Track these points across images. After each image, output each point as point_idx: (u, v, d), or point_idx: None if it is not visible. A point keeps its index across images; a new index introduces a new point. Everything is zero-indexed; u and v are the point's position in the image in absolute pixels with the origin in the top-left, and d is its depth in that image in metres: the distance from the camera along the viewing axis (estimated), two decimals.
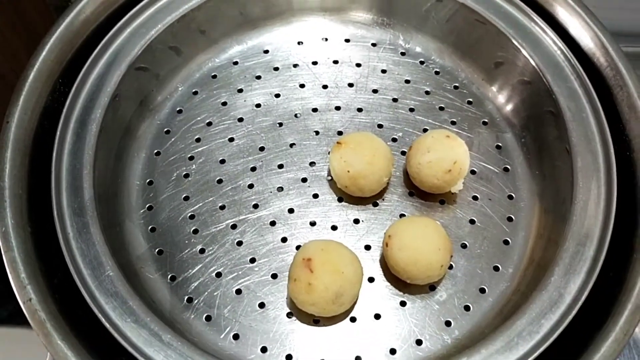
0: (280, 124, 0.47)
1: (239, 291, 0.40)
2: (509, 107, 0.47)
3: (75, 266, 0.36)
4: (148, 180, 0.45)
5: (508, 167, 0.45)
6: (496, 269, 0.41)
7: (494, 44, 0.46)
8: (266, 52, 0.50)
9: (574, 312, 0.35)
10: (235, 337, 0.39)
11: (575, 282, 0.36)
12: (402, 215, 0.43)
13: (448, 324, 0.39)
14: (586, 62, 0.43)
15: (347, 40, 0.51)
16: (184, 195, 0.44)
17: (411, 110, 0.48)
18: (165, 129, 0.47)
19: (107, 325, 0.34)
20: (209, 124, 0.47)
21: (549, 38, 0.44)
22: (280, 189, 0.44)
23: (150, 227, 0.43)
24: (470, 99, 0.48)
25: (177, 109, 0.48)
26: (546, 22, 0.44)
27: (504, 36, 0.45)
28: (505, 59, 0.46)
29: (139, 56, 0.44)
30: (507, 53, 0.46)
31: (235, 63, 0.50)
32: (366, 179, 0.41)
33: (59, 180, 0.38)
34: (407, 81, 0.48)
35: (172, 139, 0.46)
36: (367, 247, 0.42)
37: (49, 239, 0.36)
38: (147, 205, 0.43)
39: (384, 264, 0.41)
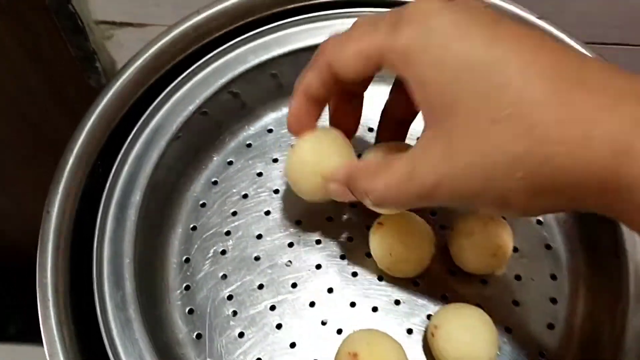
0: None
1: None
2: None
3: None
4: (185, 258, 0.44)
5: (550, 244, 0.45)
6: (542, 355, 0.41)
7: None
8: None
9: None
10: None
11: None
12: (443, 296, 0.43)
13: None
14: None
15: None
16: (222, 274, 0.43)
17: None
18: (201, 202, 0.46)
19: None
20: (245, 196, 0.46)
21: None
22: (319, 266, 0.44)
23: (188, 308, 0.42)
24: None
25: (213, 180, 0.47)
26: None
27: None
28: None
29: (177, 130, 0.44)
30: None
31: (270, 131, 0.49)
32: (408, 262, 0.41)
33: (100, 271, 0.38)
34: None
35: (208, 212, 0.46)
36: (409, 331, 0.42)
37: (92, 336, 0.36)
38: (185, 285, 0.43)
39: (427, 349, 0.40)
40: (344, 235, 0.45)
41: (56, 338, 0.34)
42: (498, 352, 0.40)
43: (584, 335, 0.41)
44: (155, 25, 0.60)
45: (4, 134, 0.79)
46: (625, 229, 0.40)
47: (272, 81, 0.48)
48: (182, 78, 0.45)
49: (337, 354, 0.38)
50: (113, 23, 0.61)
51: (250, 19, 0.48)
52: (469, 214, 0.42)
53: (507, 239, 0.40)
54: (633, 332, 0.37)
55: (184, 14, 0.46)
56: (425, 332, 0.41)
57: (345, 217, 0.46)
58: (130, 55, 0.44)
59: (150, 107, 0.44)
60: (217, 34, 0.47)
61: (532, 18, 0.46)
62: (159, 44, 0.45)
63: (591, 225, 0.43)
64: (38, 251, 0.37)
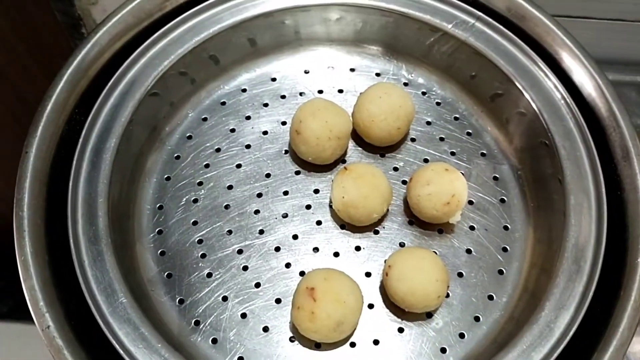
0: (286, 152, 0.49)
1: (244, 315, 0.42)
2: (506, 140, 0.49)
3: (90, 293, 0.37)
4: (158, 205, 0.46)
5: (504, 198, 0.47)
6: (490, 298, 0.43)
7: (493, 79, 0.48)
8: (274, 80, 0.52)
9: (562, 346, 0.37)
10: None
11: (565, 317, 0.38)
12: (401, 244, 0.45)
13: (443, 350, 0.41)
14: (582, 103, 0.44)
15: (352, 70, 0.53)
16: (193, 220, 0.46)
17: (413, 140, 0.49)
18: (176, 155, 0.48)
19: (120, 351, 0.36)
20: (218, 150, 0.49)
21: (547, 77, 0.46)
22: (285, 215, 0.46)
23: (160, 250, 0.45)
24: (470, 131, 0.50)
25: (187, 135, 0.49)
26: (545, 62, 0.46)
27: (502, 72, 0.47)
28: (504, 92, 0.48)
29: (153, 84, 0.46)
30: (505, 89, 0.48)
31: (244, 90, 0.52)
32: (357, 209, 0.43)
33: (75, 209, 0.40)
34: None
35: (182, 164, 0.48)
36: (368, 274, 0.44)
37: (65, 266, 0.38)
38: (157, 230, 0.45)
39: (384, 291, 0.43)
40: (311, 188, 0.47)
41: (30, 264, 0.36)
42: (449, 292, 0.43)
43: (528, 282, 0.43)
44: None
45: None
46: (572, 187, 0.42)
47: (246, 42, 0.51)
48: (159, 34, 0.47)
49: (297, 289, 0.40)
50: None
51: None
52: (426, 166, 0.45)
53: (461, 189, 0.43)
54: (567, 273, 0.39)
55: None
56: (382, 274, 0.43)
57: (312, 172, 0.48)
58: None
59: (127, 61, 0.46)
60: None
61: None
62: (137, 0, 0.47)
63: (544, 184, 0.46)
64: (16, 188, 0.39)
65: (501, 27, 0.47)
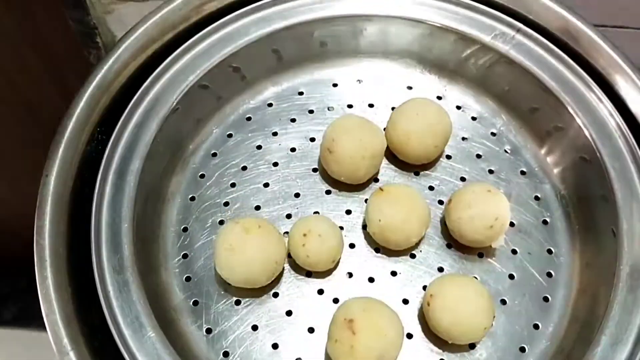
0: (315, 170, 0.47)
1: (275, 345, 0.40)
2: (546, 157, 0.47)
3: (116, 327, 0.35)
4: (183, 227, 0.44)
5: (547, 219, 0.45)
6: (536, 327, 0.41)
7: (533, 93, 0.46)
8: (301, 94, 0.50)
9: None
10: None
11: (623, 352, 0.36)
12: (440, 269, 0.43)
13: None
14: (632, 121, 0.42)
15: (382, 83, 0.50)
16: None
17: (448, 157, 0.47)
18: (200, 174, 0.46)
19: None
20: (244, 168, 0.47)
21: (592, 92, 0.44)
22: None
23: (185, 276, 0.42)
24: (508, 147, 0.47)
25: (212, 152, 0.47)
26: (591, 77, 0.43)
27: (543, 86, 0.45)
28: (544, 107, 0.46)
29: (177, 101, 0.44)
30: (546, 103, 0.45)
31: (270, 105, 0.49)
32: (394, 234, 0.41)
33: (98, 236, 0.38)
34: None
35: (207, 184, 0.46)
36: (405, 301, 0.42)
37: (89, 298, 0.36)
38: (182, 253, 0.43)
39: (423, 319, 0.41)
40: (343, 208, 0.45)
41: (53, 298, 0.34)
42: (493, 323, 0.40)
43: (577, 310, 0.41)
44: (156, 0, 0.60)
45: (1, 115, 0.78)
46: (622, 209, 0.40)
47: (272, 55, 0.48)
48: (183, 49, 0.45)
49: (333, 320, 0.38)
50: None
51: None
52: (467, 187, 0.42)
53: (504, 212, 0.41)
54: (621, 304, 0.37)
55: None
56: (421, 302, 0.41)
57: (343, 191, 0.46)
58: None
59: (150, 77, 0.44)
60: (219, 6, 0.47)
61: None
62: (160, 13, 0.45)
63: (589, 204, 0.43)
64: (36, 214, 0.37)
65: (543, 39, 0.45)
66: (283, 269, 0.42)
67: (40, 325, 0.33)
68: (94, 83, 0.42)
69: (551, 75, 0.45)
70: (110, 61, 0.42)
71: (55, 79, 0.77)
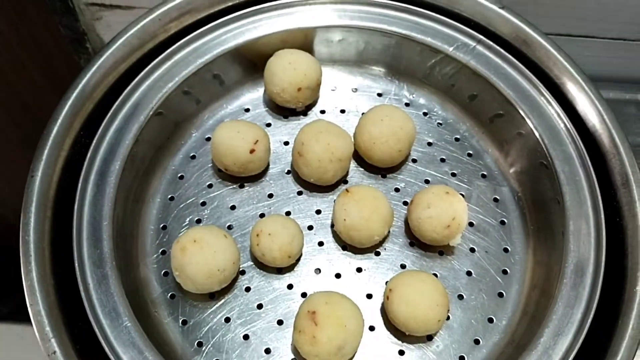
0: (289, 172, 0.49)
1: (246, 336, 0.43)
2: (505, 162, 0.49)
3: (95, 317, 0.38)
4: (162, 225, 0.47)
5: (504, 220, 0.47)
6: (490, 320, 0.44)
7: (493, 101, 0.48)
8: None
9: None
10: None
11: (563, 343, 0.38)
12: (403, 266, 0.46)
13: None
14: (582, 128, 0.45)
15: (355, 90, 0.53)
16: None
17: (414, 161, 0.50)
18: (179, 175, 0.49)
19: None
20: (221, 170, 0.49)
21: (547, 102, 0.46)
22: None
23: (163, 271, 0.45)
24: (470, 152, 0.50)
25: (191, 154, 0.50)
26: (546, 86, 0.46)
27: (502, 95, 0.47)
28: (504, 114, 0.48)
29: (158, 105, 0.47)
30: (505, 111, 0.48)
31: (247, 110, 0.52)
32: (359, 232, 0.43)
33: (80, 232, 0.41)
34: None
35: (186, 184, 0.49)
36: (369, 296, 0.44)
37: (70, 290, 0.39)
38: (161, 250, 0.46)
39: (385, 313, 0.43)
40: (313, 208, 0.48)
41: (36, 289, 0.37)
42: (449, 315, 0.43)
43: (528, 305, 0.44)
44: (143, 7, 0.63)
45: None
46: (570, 210, 0.43)
47: (249, 63, 0.51)
48: (164, 56, 0.48)
49: (298, 312, 0.41)
50: (102, 5, 0.63)
51: (230, 3, 0.51)
52: (427, 189, 0.45)
53: (461, 212, 0.43)
54: (565, 299, 0.40)
55: None
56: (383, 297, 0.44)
57: (314, 192, 0.48)
58: None
59: (132, 83, 0.46)
60: (198, 17, 0.50)
61: (494, 8, 0.49)
62: (143, 22, 0.47)
63: (543, 206, 0.46)
64: (22, 212, 0.39)
65: (502, 50, 0.48)
66: (239, 271, 0.44)
67: None
68: (78, 89, 0.44)
69: (509, 85, 0.47)
70: (93, 68, 0.45)
71: (50, 81, 0.79)
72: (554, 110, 0.46)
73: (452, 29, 0.49)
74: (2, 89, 0.79)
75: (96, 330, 0.37)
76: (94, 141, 0.44)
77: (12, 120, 0.85)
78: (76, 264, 0.39)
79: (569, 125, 0.45)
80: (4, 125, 0.85)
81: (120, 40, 0.46)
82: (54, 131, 0.43)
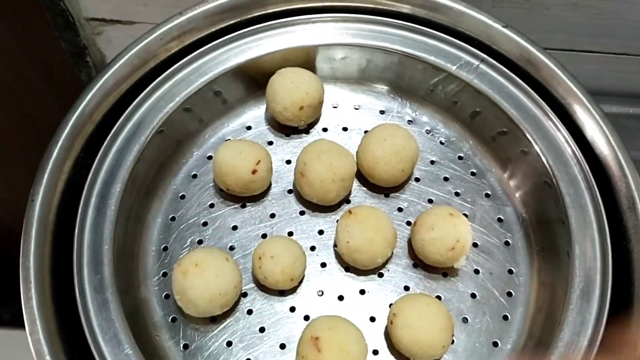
0: (290, 191, 0.49)
1: None
2: (509, 181, 0.49)
3: (95, 344, 0.38)
4: (163, 246, 0.46)
5: (509, 241, 0.47)
6: (495, 344, 0.43)
7: (496, 120, 0.48)
8: None
9: None
10: None
11: None
12: (406, 287, 0.45)
13: None
14: (587, 150, 0.44)
15: (357, 108, 0.53)
16: None
17: (417, 180, 0.49)
18: (181, 194, 0.49)
19: None
20: (222, 189, 0.49)
21: (550, 122, 0.46)
22: None
23: (164, 293, 0.45)
24: (474, 170, 0.50)
25: (192, 173, 0.49)
26: (550, 106, 0.46)
27: (505, 114, 0.47)
28: (507, 133, 0.48)
29: (159, 125, 0.46)
30: (508, 130, 0.48)
31: (249, 128, 0.52)
32: (361, 254, 0.43)
33: (80, 257, 0.40)
34: None
35: (187, 204, 0.48)
36: (372, 319, 0.44)
37: (71, 316, 0.38)
38: (162, 272, 0.45)
39: (388, 337, 0.43)
40: (315, 229, 0.47)
41: (36, 317, 0.37)
42: (453, 339, 0.43)
43: (533, 328, 0.43)
44: (143, 23, 0.63)
45: (1, 123, 0.81)
46: (576, 233, 0.42)
47: (251, 81, 0.51)
48: (165, 75, 0.47)
49: (301, 337, 0.40)
50: (103, 20, 0.63)
51: (232, 22, 0.50)
52: (431, 210, 0.45)
53: (465, 234, 0.43)
54: (571, 326, 0.39)
55: (171, 12, 0.48)
56: (387, 320, 0.43)
57: (316, 212, 0.48)
58: (119, 51, 0.46)
59: (133, 103, 0.46)
60: (199, 35, 0.49)
61: (498, 27, 0.48)
62: (144, 42, 0.47)
63: (548, 227, 0.46)
64: (22, 237, 0.39)
65: (505, 69, 0.48)
66: (241, 293, 0.44)
67: None
68: (78, 110, 0.44)
69: (512, 104, 0.47)
70: (94, 90, 0.45)
71: (50, 88, 0.79)
72: (558, 130, 0.46)
73: (455, 47, 0.49)
74: (4, 97, 0.79)
75: (97, 358, 0.37)
76: (95, 163, 0.44)
77: (12, 123, 0.85)
78: (77, 290, 0.39)
79: (574, 146, 0.45)
80: (6, 130, 0.85)
81: (122, 60, 0.46)
82: (55, 154, 0.42)
